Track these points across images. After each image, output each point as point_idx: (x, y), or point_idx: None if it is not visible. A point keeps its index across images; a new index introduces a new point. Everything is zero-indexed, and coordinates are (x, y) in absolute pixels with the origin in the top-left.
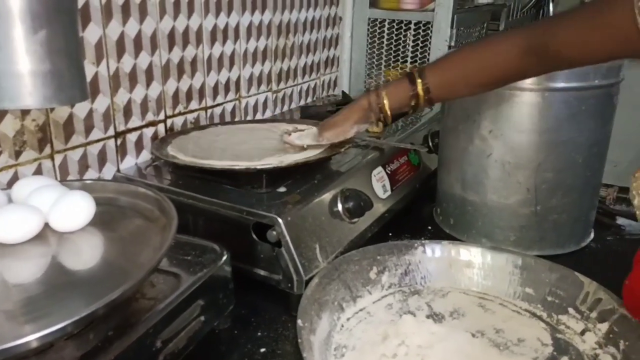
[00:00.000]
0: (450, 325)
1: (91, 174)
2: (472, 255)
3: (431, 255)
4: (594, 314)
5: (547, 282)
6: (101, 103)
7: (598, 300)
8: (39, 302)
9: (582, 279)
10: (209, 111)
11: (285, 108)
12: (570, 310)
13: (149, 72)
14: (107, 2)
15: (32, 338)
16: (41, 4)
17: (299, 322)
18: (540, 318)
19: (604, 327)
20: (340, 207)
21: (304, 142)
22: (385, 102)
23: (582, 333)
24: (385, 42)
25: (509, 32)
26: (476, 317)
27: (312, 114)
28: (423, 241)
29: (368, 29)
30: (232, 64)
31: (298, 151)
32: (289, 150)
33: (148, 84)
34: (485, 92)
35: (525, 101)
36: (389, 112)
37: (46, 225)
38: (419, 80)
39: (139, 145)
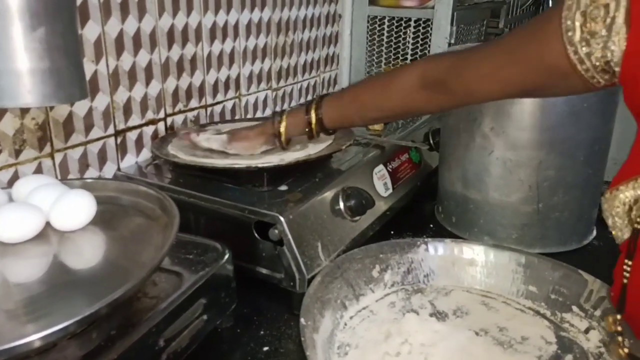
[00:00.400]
0: (454, 323)
1: (91, 173)
2: (475, 254)
3: (434, 253)
4: (598, 312)
5: (551, 280)
6: (101, 101)
7: (602, 298)
8: (41, 301)
9: (585, 277)
10: (209, 109)
11: (286, 106)
12: (574, 308)
13: (148, 70)
14: None
15: (34, 338)
16: (40, 1)
17: (302, 320)
18: (544, 316)
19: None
20: (342, 205)
21: (210, 145)
22: (282, 130)
23: (586, 331)
24: (385, 40)
25: (407, 67)
26: (479, 315)
27: None
28: (426, 239)
29: (368, 27)
30: (232, 61)
31: (298, 150)
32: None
33: (148, 82)
34: (383, 123)
35: (527, 98)
36: (283, 139)
37: (47, 224)
38: (312, 111)
39: (139, 144)
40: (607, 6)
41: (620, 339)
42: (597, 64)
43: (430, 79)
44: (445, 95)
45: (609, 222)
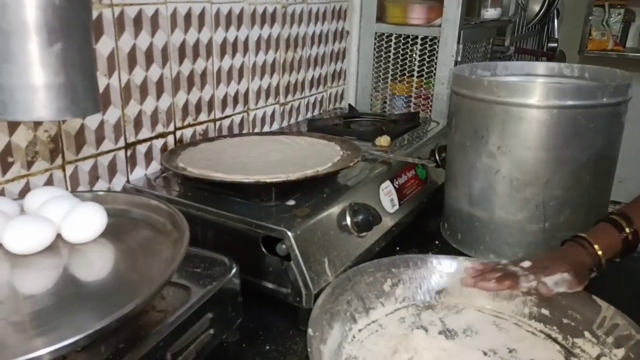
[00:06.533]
0: (463, 342)
1: (101, 185)
2: None
3: (447, 270)
4: (610, 339)
5: (564, 304)
6: (112, 114)
7: (615, 325)
8: (51, 314)
9: (599, 302)
10: (218, 123)
11: (293, 120)
12: (587, 334)
13: (159, 84)
14: (119, 15)
15: (44, 352)
16: (57, 17)
17: (310, 331)
18: (555, 340)
19: (620, 352)
20: (349, 221)
21: (559, 290)
22: (600, 253)
23: (598, 358)
24: (392, 56)
25: None
26: (489, 335)
27: (319, 127)
28: (439, 256)
29: (375, 43)
30: (240, 76)
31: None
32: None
33: (158, 96)
34: None
35: (534, 118)
36: (603, 263)
37: (58, 236)
38: (625, 226)
39: (148, 157)
40: None
41: None
42: None
43: None
44: None
45: None
